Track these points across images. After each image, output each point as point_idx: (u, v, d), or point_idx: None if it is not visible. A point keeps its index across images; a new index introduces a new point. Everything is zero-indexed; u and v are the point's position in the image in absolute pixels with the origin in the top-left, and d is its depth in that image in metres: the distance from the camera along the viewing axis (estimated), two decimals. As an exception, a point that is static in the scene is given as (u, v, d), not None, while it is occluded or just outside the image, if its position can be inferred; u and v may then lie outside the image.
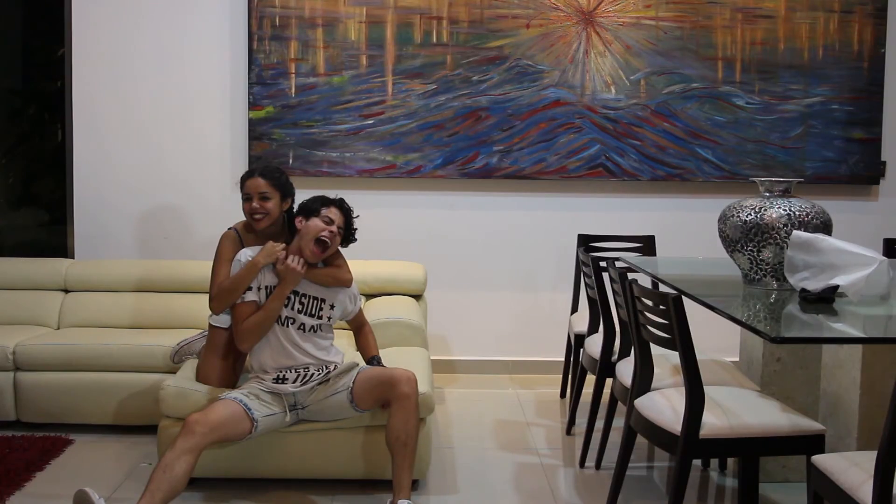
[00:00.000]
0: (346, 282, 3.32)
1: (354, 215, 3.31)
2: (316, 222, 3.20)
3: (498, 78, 4.98)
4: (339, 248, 3.32)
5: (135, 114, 4.98)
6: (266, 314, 3.18)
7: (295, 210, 3.37)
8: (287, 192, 3.42)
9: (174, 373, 3.57)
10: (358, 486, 3.40)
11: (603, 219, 5.02)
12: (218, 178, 4.99)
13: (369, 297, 4.42)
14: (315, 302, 3.25)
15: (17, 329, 4.26)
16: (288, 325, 3.21)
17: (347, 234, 3.29)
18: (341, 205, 3.28)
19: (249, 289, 3.22)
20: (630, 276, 3.09)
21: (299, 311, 3.23)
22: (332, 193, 3.39)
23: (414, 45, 4.95)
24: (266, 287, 3.22)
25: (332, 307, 3.29)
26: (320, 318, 3.26)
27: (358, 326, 3.47)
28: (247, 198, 3.38)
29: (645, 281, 3.30)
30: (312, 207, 3.24)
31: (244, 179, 3.40)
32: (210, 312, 3.41)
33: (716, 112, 5.06)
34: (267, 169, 3.44)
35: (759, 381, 3.45)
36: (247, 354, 3.33)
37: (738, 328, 3.10)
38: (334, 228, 3.21)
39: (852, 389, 3.13)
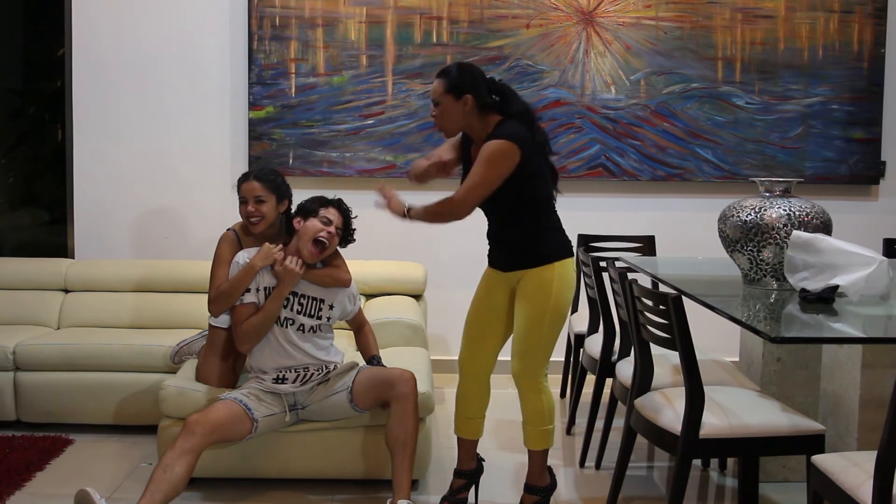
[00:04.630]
0: (344, 282, 3.32)
1: (353, 216, 3.31)
2: (314, 223, 3.20)
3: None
4: (338, 248, 3.32)
5: (135, 114, 4.97)
6: (265, 315, 3.18)
7: (293, 211, 3.37)
8: (283, 195, 3.42)
9: (174, 373, 3.57)
10: (358, 486, 3.40)
11: (603, 219, 5.02)
12: (218, 178, 4.99)
13: (369, 297, 4.42)
14: (314, 302, 3.25)
15: (17, 329, 4.26)
16: (287, 326, 3.21)
17: (346, 235, 3.29)
18: (339, 205, 3.28)
19: (248, 290, 3.21)
20: (630, 276, 3.10)
21: (298, 312, 3.23)
22: (331, 193, 3.39)
23: (414, 45, 4.95)
24: (265, 288, 3.22)
25: (331, 307, 3.29)
26: (319, 318, 3.26)
27: (358, 326, 3.47)
28: (242, 201, 3.38)
29: (645, 281, 3.30)
30: (310, 208, 3.24)
31: (240, 183, 3.40)
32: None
33: (716, 112, 5.06)
34: (262, 171, 3.44)
35: (759, 381, 3.45)
36: (247, 354, 3.33)
37: (738, 328, 3.10)
38: (332, 229, 3.21)
39: (852, 389, 3.13)
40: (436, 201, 2.98)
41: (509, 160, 2.85)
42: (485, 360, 3.15)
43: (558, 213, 3.10)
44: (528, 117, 2.97)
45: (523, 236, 2.99)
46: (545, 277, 2.97)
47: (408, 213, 3.00)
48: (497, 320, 3.12)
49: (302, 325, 3.23)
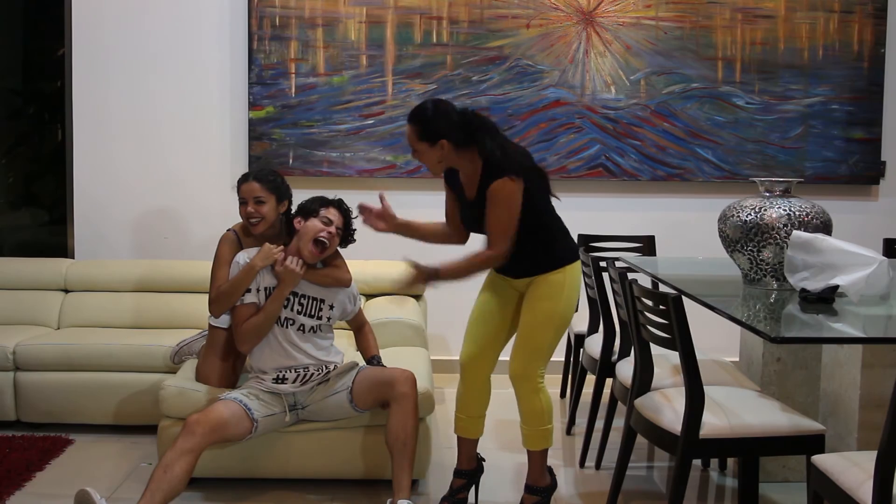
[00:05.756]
0: (345, 282, 3.32)
1: (353, 216, 3.31)
2: (314, 223, 3.20)
3: (498, 78, 4.98)
4: (338, 248, 3.32)
5: (135, 114, 4.97)
6: (265, 316, 3.18)
7: (293, 211, 3.37)
8: (283, 195, 3.42)
9: (174, 373, 3.57)
10: (358, 486, 3.40)
11: (603, 219, 5.02)
12: (218, 177, 4.98)
13: (369, 297, 4.42)
14: (314, 302, 3.25)
15: (17, 329, 4.26)
16: (287, 326, 3.21)
17: (346, 235, 3.29)
18: (340, 205, 3.28)
19: (248, 291, 3.21)
20: (630, 276, 3.09)
21: (298, 312, 3.23)
22: (331, 194, 3.39)
23: (414, 45, 4.95)
24: (265, 289, 3.22)
25: (331, 307, 3.29)
26: (320, 318, 3.26)
27: (358, 326, 3.47)
28: (242, 202, 3.38)
29: (645, 281, 3.30)
30: (311, 208, 3.24)
31: (240, 184, 3.41)
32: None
33: (716, 112, 5.06)
34: (262, 172, 3.45)
35: (759, 381, 3.45)
36: (247, 355, 3.33)
37: (738, 328, 3.10)
38: (332, 229, 3.21)
39: (852, 389, 3.13)
40: (466, 260, 2.95)
41: (518, 194, 2.88)
42: (487, 360, 3.14)
43: (559, 212, 3.10)
44: (499, 155, 2.90)
45: (534, 246, 3.00)
46: (557, 280, 3.00)
47: (438, 277, 2.94)
48: (501, 322, 3.13)
49: (302, 325, 3.23)
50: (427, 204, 5.05)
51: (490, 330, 3.13)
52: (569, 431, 4.09)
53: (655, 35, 5.01)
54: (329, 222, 3.21)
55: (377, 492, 3.34)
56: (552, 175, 4.96)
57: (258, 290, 3.22)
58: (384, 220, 3.10)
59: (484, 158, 2.93)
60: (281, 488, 3.37)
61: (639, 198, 5.15)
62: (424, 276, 2.94)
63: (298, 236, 3.22)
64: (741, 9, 5.02)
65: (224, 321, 3.42)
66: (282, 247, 3.24)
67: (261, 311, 3.19)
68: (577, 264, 3.06)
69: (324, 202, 3.26)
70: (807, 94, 5.07)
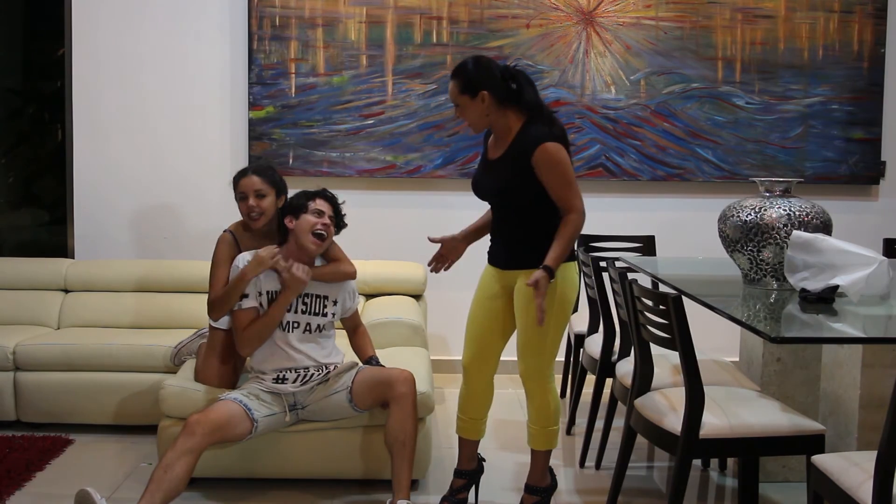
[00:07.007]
0: (350, 274, 3.33)
1: (340, 201, 3.31)
2: (307, 218, 3.19)
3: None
4: (335, 241, 3.32)
5: (135, 114, 4.97)
6: (268, 321, 3.17)
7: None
8: (281, 190, 3.42)
9: (174, 373, 3.57)
10: (358, 486, 3.40)
11: (603, 219, 5.01)
12: (218, 177, 4.98)
13: (369, 297, 4.42)
14: (318, 300, 3.25)
15: (17, 329, 4.26)
16: (290, 330, 3.21)
17: (338, 221, 3.29)
18: (325, 194, 3.28)
19: (247, 295, 3.20)
20: (630, 276, 3.09)
21: (303, 312, 3.22)
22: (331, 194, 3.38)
23: (414, 45, 4.95)
24: (267, 292, 3.21)
25: (334, 303, 3.29)
26: (325, 315, 3.26)
27: (354, 327, 3.46)
28: (242, 197, 3.37)
29: (645, 281, 3.30)
30: (299, 203, 3.23)
31: (238, 179, 3.40)
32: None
33: (716, 112, 5.06)
34: (260, 167, 3.46)
35: (759, 381, 3.45)
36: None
37: (738, 328, 3.10)
38: (326, 220, 3.21)
39: (852, 389, 3.13)
40: (560, 238, 2.87)
41: (565, 154, 2.89)
42: (488, 362, 3.14)
43: None
44: (540, 112, 2.94)
45: (531, 235, 2.96)
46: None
47: (554, 268, 2.85)
48: (498, 320, 3.11)
49: (308, 324, 3.23)
50: (426, 204, 5.08)
51: (488, 330, 3.12)
52: (569, 431, 4.09)
53: (655, 35, 5.01)
54: (321, 213, 3.21)
55: (377, 492, 3.34)
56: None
57: (259, 294, 3.22)
58: (455, 250, 3.20)
59: (526, 114, 2.92)
60: (281, 488, 3.37)
61: (639, 198, 5.16)
62: (546, 280, 2.84)
63: (295, 235, 3.21)
64: (741, 9, 5.03)
65: (224, 322, 3.41)
66: (277, 249, 3.22)
67: (264, 315, 3.18)
68: (572, 265, 3.02)
69: (308, 195, 3.25)
70: (807, 94, 5.08)
